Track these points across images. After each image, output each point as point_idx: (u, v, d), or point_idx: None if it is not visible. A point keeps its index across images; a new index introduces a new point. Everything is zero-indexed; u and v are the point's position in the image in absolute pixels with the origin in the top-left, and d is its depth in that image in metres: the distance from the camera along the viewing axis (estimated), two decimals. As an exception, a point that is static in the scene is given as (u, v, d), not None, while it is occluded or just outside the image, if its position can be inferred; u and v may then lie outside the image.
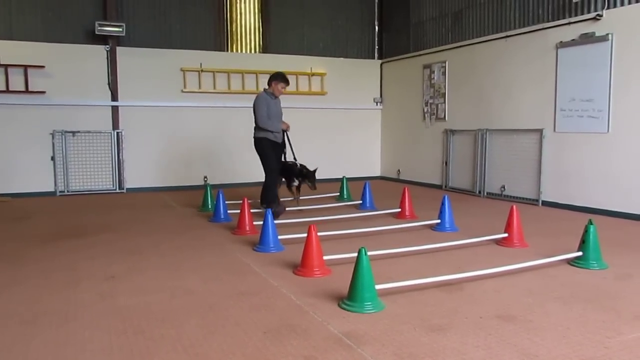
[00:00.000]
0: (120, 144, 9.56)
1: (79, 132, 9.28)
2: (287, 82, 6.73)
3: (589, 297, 3.61)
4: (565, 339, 2.91)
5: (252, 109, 6.67)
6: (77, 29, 9.30)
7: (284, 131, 6.91)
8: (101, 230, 6.13)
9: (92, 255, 4.87)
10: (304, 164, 7.29)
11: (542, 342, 2.88)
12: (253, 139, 6.71)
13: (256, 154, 6.80)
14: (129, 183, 9.67)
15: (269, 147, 6.64)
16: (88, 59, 9.30)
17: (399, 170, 11.18)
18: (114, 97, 9.51)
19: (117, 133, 9.55)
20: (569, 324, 3.14)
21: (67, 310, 3.42)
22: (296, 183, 7.20)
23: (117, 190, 9.60)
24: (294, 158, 7.15)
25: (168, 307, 3.50)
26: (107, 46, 9.37)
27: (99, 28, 9.00)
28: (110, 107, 9.54)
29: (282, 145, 6.98)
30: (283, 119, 6.94)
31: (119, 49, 9.45)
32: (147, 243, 5.43)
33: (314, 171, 7.11)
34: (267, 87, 6.77)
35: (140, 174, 9.72)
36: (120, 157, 9.59)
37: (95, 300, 3.64)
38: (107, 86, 9.46)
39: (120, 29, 9.13)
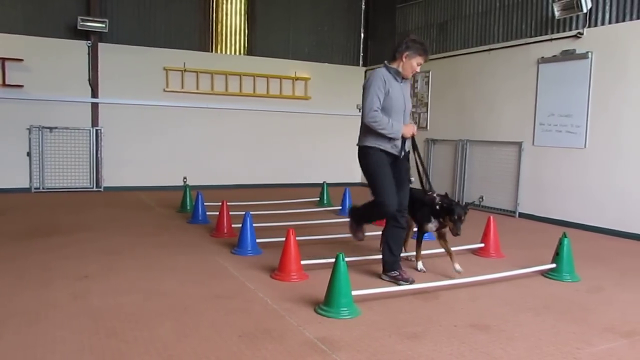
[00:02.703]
0: (99, 141, 9.42)
1: (56, 128, 9.12)
2: (426, 55, 4.15)
3: (561, 309, 3.67)
4: (537, 349, 2.96)
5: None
6: (59, 23, 9.16)
7: (409, 138, 4.27)
8: (76, 229, 6.03)
9: (66, 255, 4.79)
10: (434, 190, 4.42)
11: (514, 351, 2.92)
12: (357, 148, 4.24)
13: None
14: (107, 182, 9.54)
15: (383, 163, 4.09)
16: (69, 54, 9.16)
17: (379, 178, 11.21)
18: (94, 94, 9.38)
19: (97, 130, 9.41)
20: (541, 334, 3.19)
21: (38, 310, 3.35)
22: (434, 225, 4.37)
23: (95, 189, 9.45)
24: (427, 184, 4.37)
25: (142, 308, 3.45)
26: (89, 42, 9.25)
27: (81, 23, 8.88)
28: (90, 104, 9.40)
29: (404, 161, 4.29)
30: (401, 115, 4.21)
31: (101, 45, 9.34)
32: (123, 243, 5.36)
33: (466, 207, 4.22)
34: (389, 61, 4.21)
35: (119, 172, 9.59)
36: (99, 155, 9.45)
37: (68, 300, 3.57)
38: (88, 82, 9.33)
39: (103, 25, 9.02)
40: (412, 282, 4.01)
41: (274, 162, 10.84)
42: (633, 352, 2.97)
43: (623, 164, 6.50)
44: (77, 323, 3.15)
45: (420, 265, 4.57)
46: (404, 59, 4.10)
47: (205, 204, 6.64)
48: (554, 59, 7.33)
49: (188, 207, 7.27)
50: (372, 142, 4.12)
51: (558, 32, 7.33)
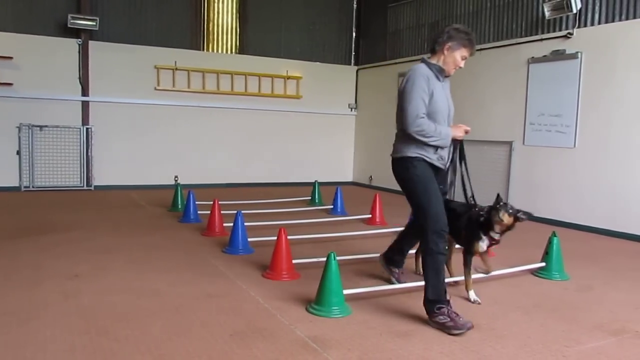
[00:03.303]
0: (90, 140, 9.36)
1: (46, 126, 9.06)
2: (472, 47, 3.61)
3: (550, 307, 3.70)
4: (526, 347, 2.98)
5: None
6: (49, 20, 9.09)
7: (456, 142, 3.71)
8: (67, 228, 5.99)
9: (57, 254, 4.76)
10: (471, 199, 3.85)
11: (503, 349, 2.94)
12: (391, 160, 3.62)
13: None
14: (98, 180, 9.48)
15: (430, 178, 3.45)
16: (59, 52, 9.09)
17: (371, 177, 11.26)
18: (85, 92, 9.32)
19: (87, 129, 9.35)
20: (531, 332, 3.22)
21: (28, 310, 3.33)
22: (485, 245, 3.72)
23: (85, 188, 9.39)
24: (470, 196, 3.77)
25: (133, 307, 3.44)
26: (80, 40, 9.19)
27: (72, 21, 8.82)
28: (81, 102, 9.34)
29: (446, 173, 3.73)
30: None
31: (91, 43, 9.27)
32: (114, 242, 5.34)
33: (518, 214, 3.62)
34: (428, 55, 3.61)
35: (109, 171, 9.54)
36: (89, 154, 9.39)
37: (59, 299, 3.56)
38: (78, 81, 9.27)
39: (94, 23, 8.97)
40: (469, 328, 3.16)
41: (265, 161, 10.84)
42: (621, 350, 3.01)
43: (612, 164, 6.56)
44: (67, 322, 3.14)
45: (472, 295, 3.79)
46: (445, 52, 3.49)
47: (196, 203, 6.62)
48: (544, 59, 7.38)
49: (179, 206, 7.25)
50: (414, 152, 3.43)
51: (548, 32, 7.38)
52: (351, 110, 11.78)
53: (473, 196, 3.75)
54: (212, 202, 5.91)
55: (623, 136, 6.45)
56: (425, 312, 3.32)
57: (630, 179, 6.36)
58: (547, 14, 7.13)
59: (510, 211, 3.59)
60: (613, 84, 6.54)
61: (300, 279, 4.18)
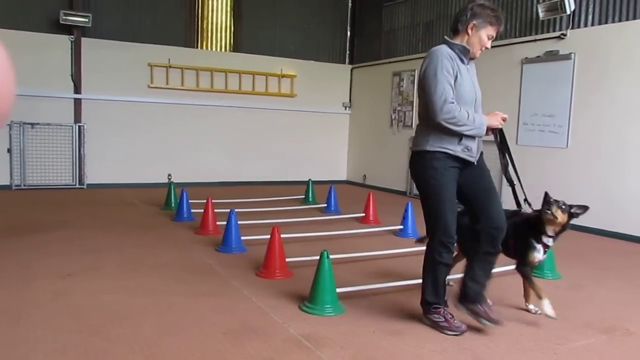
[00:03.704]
0: (82, 138, 9.31)
1: (38, 124, 8.99)
2: (499, 25, 3.13)
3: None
4: (518, 345, 3.00)
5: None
6: (40, 17, 9.01)
7: (495, 132, 3.28)
8: (59, 226, 5.96)
9: (48, 253, 4.73)
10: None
11: (496, 347, 2.96)
12: (411, 154, 3.24)
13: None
14: (90, 179, 9.43)
15: (449, 177, 3.11)
16: (51, 49, 9.02)
17: (364, 176, 11.27)
18: (77, 90, 9.26)
19: (79, 127, 9.29)
20: (522, 330, 3.23)
21: (19, 309, 3.31)
22: (540, 254, 3.34)
23: (77, 186, 9.34)
24: (523, 200, 3.42)
25: (126, 307, 3.43)
26: (72, 37, 9.12)
27: (64, 17, 8.75)
28: (73, 100, 9.28)
29: (483, 164, 3.37)
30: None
31: (84, 40, 9.21)
32: (107, 241, 5.31)
33: (572, 210, 3.39)
34: (451, 36, 3.18)
35: (102, 169, 9.49)
36: (82, 152, 9.33)
37: (50, 299, 3.53)
38: (70, 78, 9.21)
39: (87, 20, 8.91)
40: (463, 332, 3.09)
41: (259, 159, 10.82)
42: (610, 348, 3.03)
43: (604, 164, 6.60)
44: (59, 322, 3.12)
45: (547, 308, 3.26)
46: (469, 31, 3.08)
47: (190, 201, 6.60)
48: (538, 59, 7.41)
49: (173, 205, 7.22)
50: (434, 145, 3.04)
51: (542, 33, 7.41)
52: (345, 109, 11.79)
53: (526, 199, 3.35)
54: (205, 201, 5.90)
55: (615, 137, 6.49)
56: (420, 309, 3.28)
57: (622, 179, 6.40)
58: (541, 14, 7.16)
59: (563, 207, 3.23)
60: (605, 85, 6.58)
61: (294, 277, 4.17)
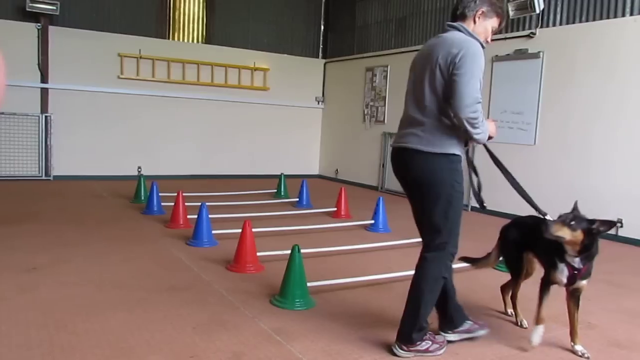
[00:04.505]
0: (49, 128, 9.07)
1: (2, 114, 8.72)
2: (503, 18, 3.00)
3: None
4: (484, 338, 3.06)
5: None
6: (5, 3, 8.72)
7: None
8: (24, 219, 5.81)
9: (13, 246, 4.61)
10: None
11: (469, 341, 3.01)
12: (428, 156, 2.75)
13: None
14: (57, 170, 9.21)
15: (462, 191, 2.88)
16: (16, 37, 8.75)
17: (337, 170, 11.31)
18: (44, 79, 9.02)
19: (46, 117, 9.06)
20: (491, 325, 3.30)
21: (-19, 302, 3.23)
22: (564, 276, 2.88)
23: (44, 177, 9.11)
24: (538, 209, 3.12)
25: (94, 300, 3.38)
26: (39, 24, 8.87)
27: (30, 4, 8.49)
28: (40, 89, 9.03)
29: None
30: None
31: (51, 29, 8.97)
32: (74, 234, 5.21)
33: (593, 226, 2.74)
34: (462, 22, 2.83)
35: (70, 161, 9.27)
36: (48, 143, 9.10)
37: (14, 293, 3.45)
38: (37, 67, 8.96)
39: (54, 7, 8.66)
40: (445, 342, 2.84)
41: (231, 152, 10.74)
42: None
43: (570, 161, 6.78)
44: (23, 316, 3.05)
45: (579, 347, 2.99)
46: (477, 19, 2.80)
47: (160, 194, 6.52)
48: (507, 57, 7.55)
49: (142, 198, 7.11)
50: (457, 148, 2.76)
51: (512, 31, 7.55)
52: (318, 103, 11.79)
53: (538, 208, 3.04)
54: (176, 194, 5.83)
55: (581, 134, 6.67)
56: (402, 342, 2.76)
57: (587, 176, 6.59)
58: (511, 13, 7.28)
59: (572, 224, 2.63)
60: (572, 84, 6.75)
61: (265, 271, 4.17)
